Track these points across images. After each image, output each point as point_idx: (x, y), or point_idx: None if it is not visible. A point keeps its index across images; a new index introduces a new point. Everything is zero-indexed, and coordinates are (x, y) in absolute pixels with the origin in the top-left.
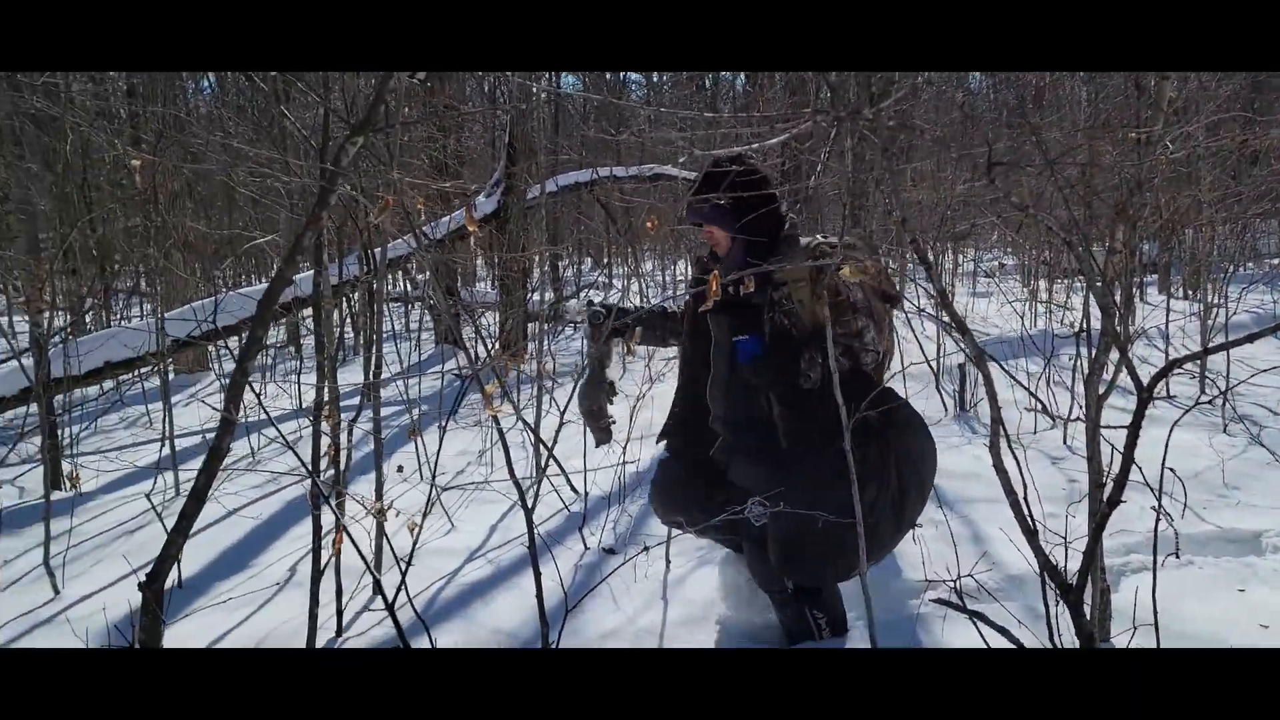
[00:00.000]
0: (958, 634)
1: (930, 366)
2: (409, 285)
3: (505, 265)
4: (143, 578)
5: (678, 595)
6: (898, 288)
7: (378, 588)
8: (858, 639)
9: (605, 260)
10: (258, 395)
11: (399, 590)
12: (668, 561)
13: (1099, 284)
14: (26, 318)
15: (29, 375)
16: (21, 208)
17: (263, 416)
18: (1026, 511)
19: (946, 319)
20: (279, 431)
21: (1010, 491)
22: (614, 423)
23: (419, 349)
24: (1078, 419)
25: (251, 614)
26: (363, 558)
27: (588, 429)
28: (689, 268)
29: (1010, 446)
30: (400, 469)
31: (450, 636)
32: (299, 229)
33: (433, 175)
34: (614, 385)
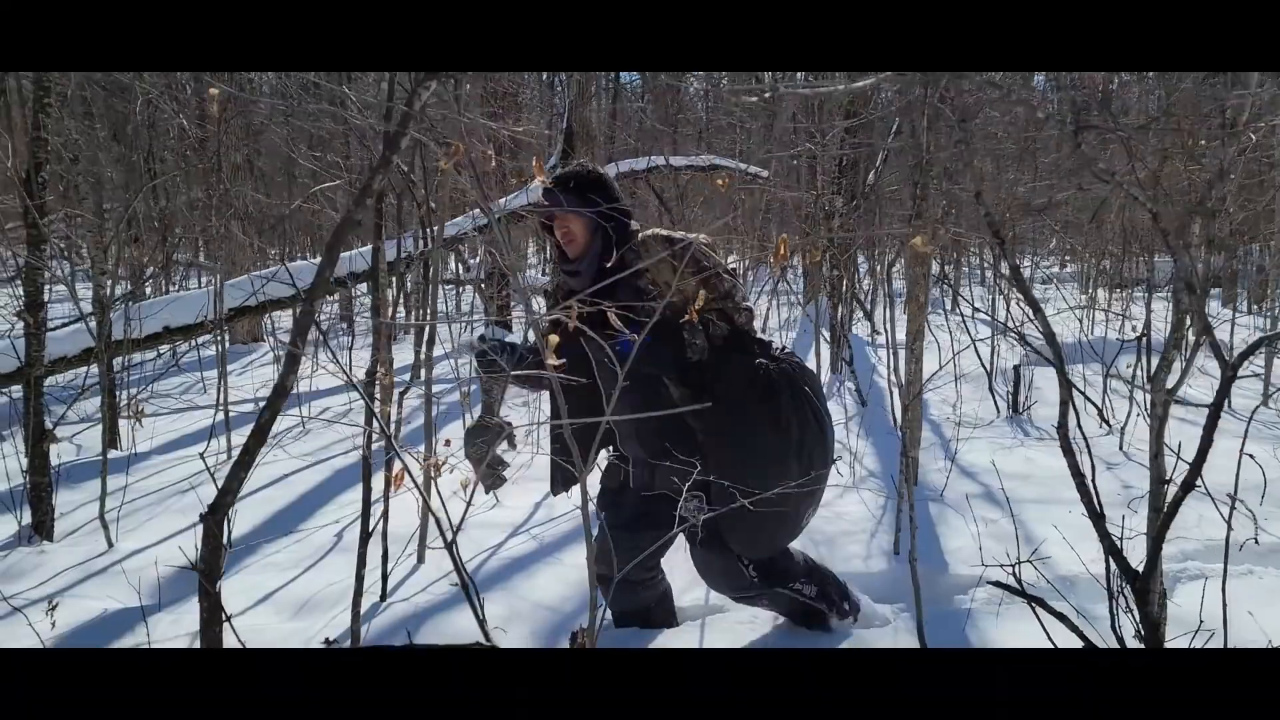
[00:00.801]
0: (1006, 630)
1: (984, 367)
2: (460, 267)
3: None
4: (193, 535)
5: None
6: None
7: (422, 554)
8: (904, 634)
9: None
10: (316, 358)
11: (452, 545)
12: None
13: (1185, 259)
14: (90, 281)
15: (93, 335)
16: (90, 172)
17: (314, 389)
18: (1094, 494)
19: (1020, 298)
20: (340, 363)
21: (1078, 474)
22: (506, 468)
23: (469, 329)
24: (1147, 414)
25: (298, 575)
26: (428, 508)
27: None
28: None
29: (1071, 438)
30: (448, 442)
31: (493, 608)
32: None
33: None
34: (510, 429)
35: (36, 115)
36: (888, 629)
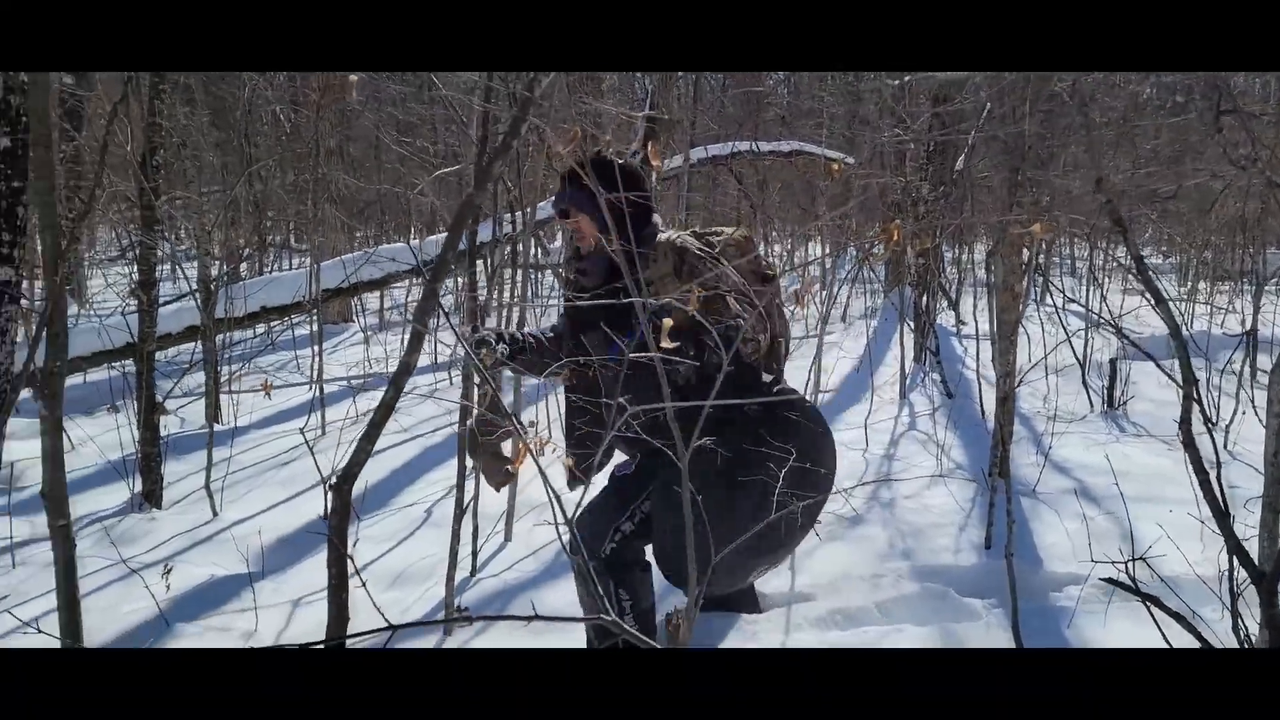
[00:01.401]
0: (1107, 629)
1: (1078, 360)
2: (540, 251)
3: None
4: (296, 505)
5: (805, 566)
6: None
7: (509, 533)
8: (996, 629)
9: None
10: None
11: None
12: None
13: None
14: (195, 262)
15: (203, 312)
16: (193, 157)
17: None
18: (1220, 492)
19: (1142, 287)
20: (464, 340)
21: (1202, 470)
22: (510, 463)
23: (546, 314)
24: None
25: (391, 549)
26: (548, 485)
27: (481, 472)
28: (791, 254)
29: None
30: (533, 423)
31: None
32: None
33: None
34: (513, 417)
35: (152, 102)
36: (979, 624)
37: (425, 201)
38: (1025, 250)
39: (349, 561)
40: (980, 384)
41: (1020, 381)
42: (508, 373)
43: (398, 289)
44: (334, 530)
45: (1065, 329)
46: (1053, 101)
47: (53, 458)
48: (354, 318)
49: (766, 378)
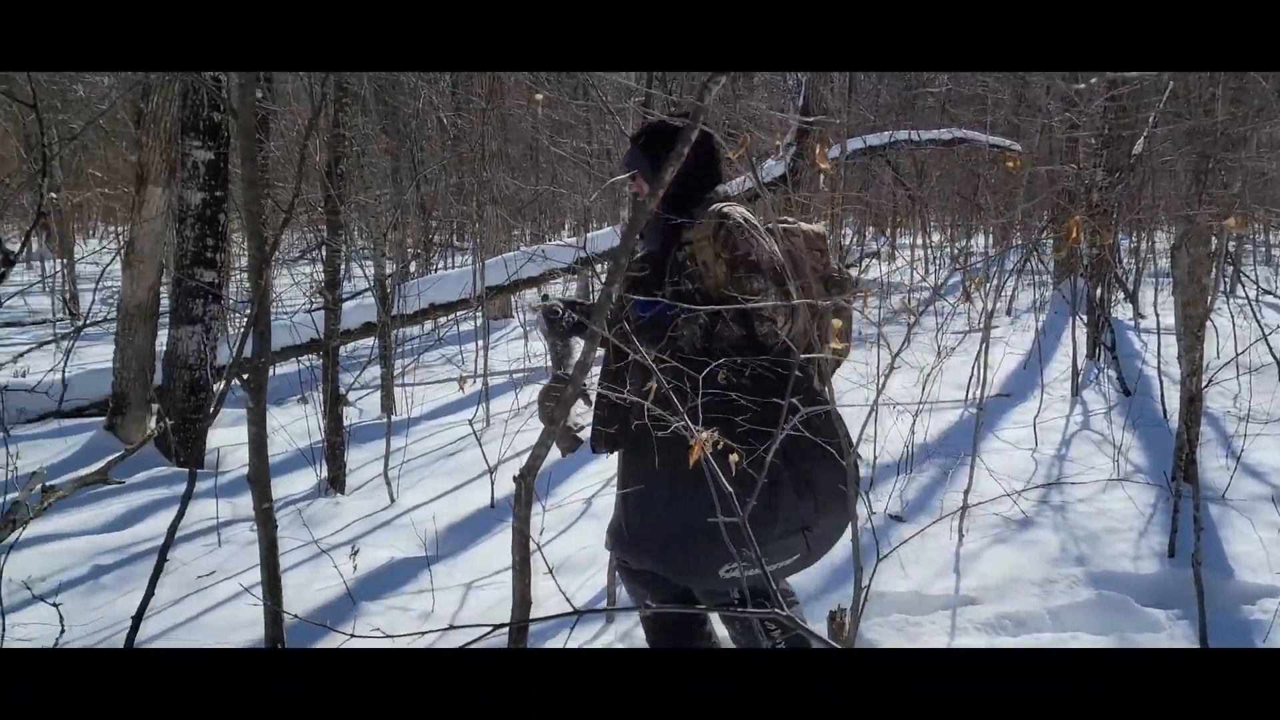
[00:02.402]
0: None
1: (1275, 357)
2: None
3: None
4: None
5: (971, 568)
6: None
7: None
8: (1181, 641)
9: (890, 229)
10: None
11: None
12: (961, 533)
13: None
14: (370, 263)
15: (382, 309)
16: (371, 164)
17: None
18: None
19: None
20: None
21: None
22: (582, 429)
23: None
24: None
25: (553, 539)
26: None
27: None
28: (945, 241)
29: None
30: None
31: None
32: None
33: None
34: (582, 386)
35: (336, 114)
36: (1161, 635)
37: (579, 199)
38: (1214, 240)
39: (536, 550)
40: (1162, 382)
41: (1210, 381)
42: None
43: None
44: (519, 519)
45: (1260, 324)
46: (1245, 79)
47: (258, 445)
48: (513, 313)
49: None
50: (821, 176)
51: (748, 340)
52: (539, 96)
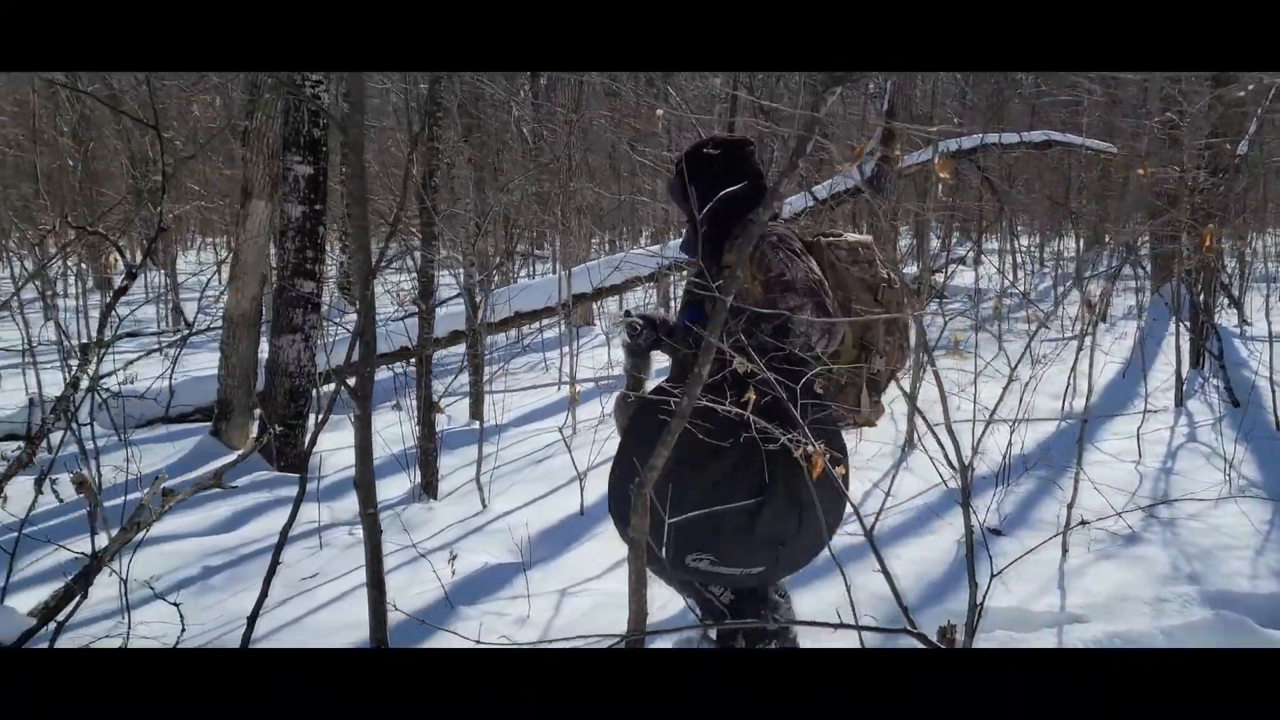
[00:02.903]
0: None
1: None
2: None
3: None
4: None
5: (1077, 585)
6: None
7: None
8: None
9: (977, 233)
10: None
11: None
12: (1064, 549)
13: None
14: (459, 271)
15: (473, 318)
16: (455, 175)
17: None
18: None
19: None
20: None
21: None
22: None
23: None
24: None
25: None
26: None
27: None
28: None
29: None
30: None
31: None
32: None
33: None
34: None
35: (430, 127)
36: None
37: (659, 207)
38: None
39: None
40: (1275, 392)
41: None
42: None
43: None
44: (637, 530)
45: None
46: None
47: (364, 451)
48: (595, 321)
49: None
50: (914, 180)
51: (783, 355)
52: (660, 112)
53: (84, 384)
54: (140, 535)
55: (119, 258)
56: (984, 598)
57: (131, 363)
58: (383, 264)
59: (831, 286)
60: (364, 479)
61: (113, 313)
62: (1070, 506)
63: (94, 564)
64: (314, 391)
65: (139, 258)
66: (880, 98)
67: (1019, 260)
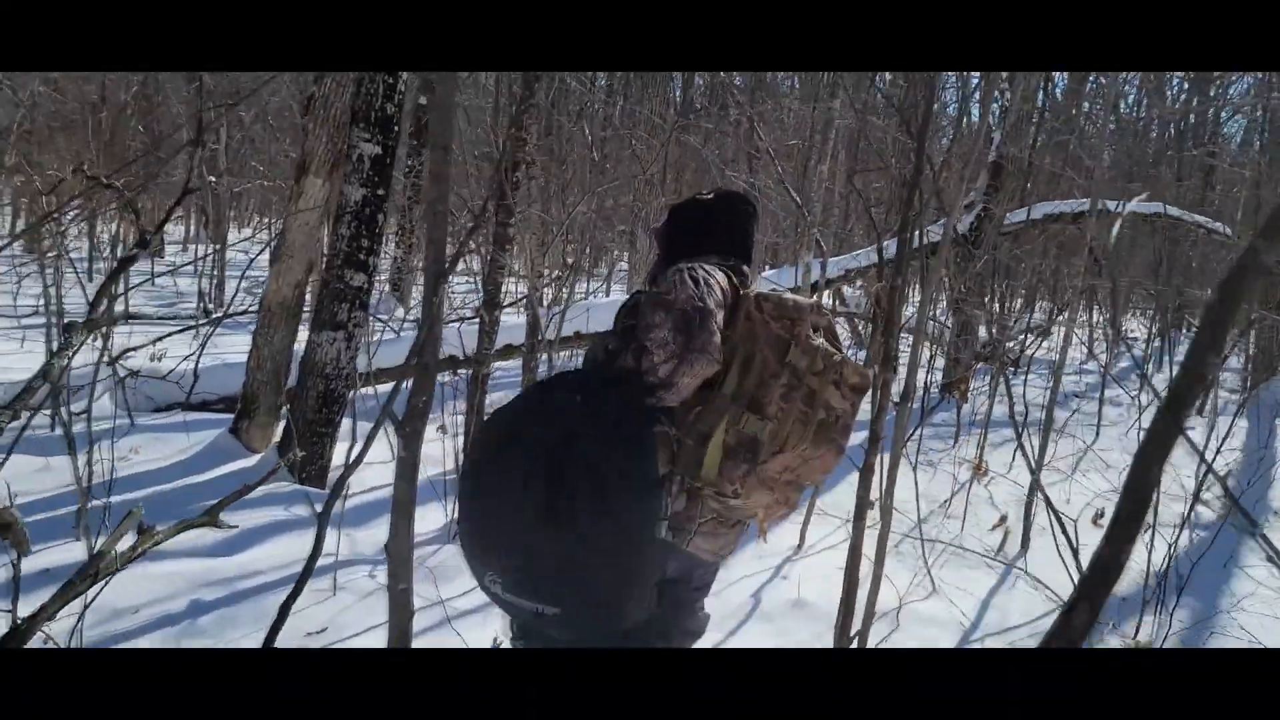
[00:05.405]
0: None
1: None
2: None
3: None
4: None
5: None
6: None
7: None
8: None
9: (1064, 304)
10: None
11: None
12: None
13: None
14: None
15: (540, 331)
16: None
17: None
18: None
19: None
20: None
21: None
22: None
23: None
24: None
25: None
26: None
27: None
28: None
29: None
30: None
31: None
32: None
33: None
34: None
35: (520, 115)
36: None
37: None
38: None
39: None
40: None
41: None
42: None
43: None
44: None
45: None
46: None
47: (404, 510)
48: None
49: (651, 400)
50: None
51: (634, 372)
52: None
53: (97, 362)
54: (99, 586)
55: (136, 220)
56: None
57: (160, 339)
58: (458, 261)
59: (741, 336)
60: (398, 548)
61: (113, 286)
62: None
63: (16, 631)
64: (350, 395)
65: (189, 226)
66: (988, 144)
67: (1103, 334)
